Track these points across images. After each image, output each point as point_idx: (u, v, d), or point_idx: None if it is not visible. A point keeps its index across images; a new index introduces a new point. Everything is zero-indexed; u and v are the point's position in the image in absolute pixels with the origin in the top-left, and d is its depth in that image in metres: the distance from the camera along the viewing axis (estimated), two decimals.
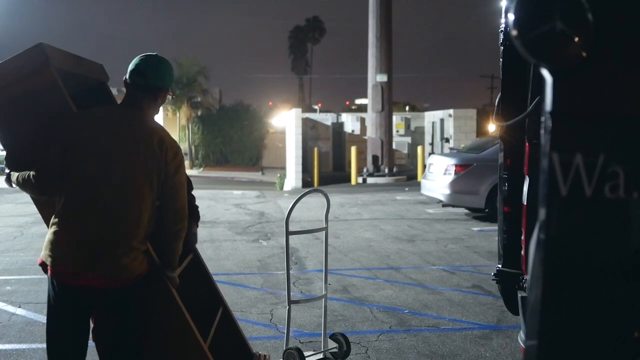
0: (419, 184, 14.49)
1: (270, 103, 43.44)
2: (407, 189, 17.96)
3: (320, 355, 4.53)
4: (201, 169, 31.63)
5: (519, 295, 3.56)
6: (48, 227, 2.99)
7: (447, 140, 23.63)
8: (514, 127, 3.68)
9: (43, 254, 2.94)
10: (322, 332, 4.67)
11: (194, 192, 4.10)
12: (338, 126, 26.88)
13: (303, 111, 25.10)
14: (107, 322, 3.01)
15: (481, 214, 11.74)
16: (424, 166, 16.90)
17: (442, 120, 24.77)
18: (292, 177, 20.64)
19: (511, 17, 1.55)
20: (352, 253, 8.69)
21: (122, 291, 2.91)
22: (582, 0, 1.50)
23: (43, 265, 2.95)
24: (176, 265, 3.12)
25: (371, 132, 21.65)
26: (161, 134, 3.01)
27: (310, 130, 25.24)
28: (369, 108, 21.80)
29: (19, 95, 3.07)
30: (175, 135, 32.33)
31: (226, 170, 30.52)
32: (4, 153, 3.14)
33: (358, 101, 56.76)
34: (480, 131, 26.41)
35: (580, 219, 1.58)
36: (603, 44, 1.55)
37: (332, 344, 4.61)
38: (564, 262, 1.58)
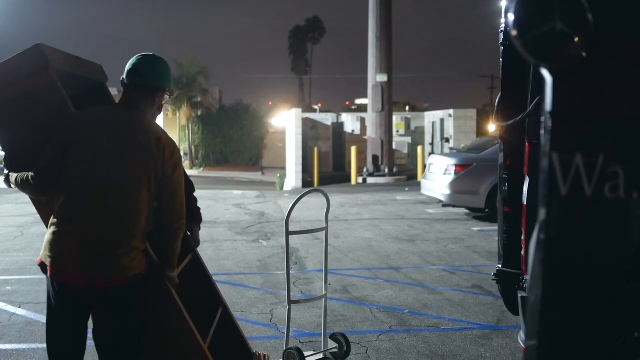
0: (419, 184, 14.49)
1: (271, 103, 43.47)
2: (407, 189, 17.96)
3: (321, 355, 4.53)
4: (201, 169, 31.64)
5: (519, 295, 3.56)
6: (47, 227, 2.99)
7: (447, 141, 23.62)
8: (514, 127, 3.68)
9: (42, 254, 2.94)
10: (322, 332, 4.67)
11: (195, 194, 4.11)
12: (338, 126, 26.89)
13: (303, 111, 25.10)
14: (107, 322, 3.01)
15: (481, 214, 11.74)
16: (424, 166, 16.90)
17: (442, 121, 24.77)
18: (292, 177, 20.64)
19: (511, 17, 1.55)
20: (352, 253, 8.69)
21: (121, 291, 2.92)
22: (582, 0, 1.50)
23: (42, 265, 2.95)
24: (175, 265, 3.12)
25: (371, 132, 21.65)
26: (158, 133, 3.01)
27: (310, 130, 25.24)
28: (369, 108, 21.81)
29: (18, 96, 3.07)
30: (175, 135, 32.34)
31: (226, 171, 30.53)
32: (3, 154, 3.14)
33: (358, 101, 56.74)
34: (480, 131, 26.41)
35: (580, 219, 1.58)
36: (603, 44, 1.55)
37: (332, 344, 4.61)
38: (564, 262, 1.58)
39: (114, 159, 2.91)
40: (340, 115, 28.53)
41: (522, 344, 3.47)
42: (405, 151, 26.50)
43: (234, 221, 11.81)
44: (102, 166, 2.90)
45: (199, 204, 4.06)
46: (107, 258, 2.86)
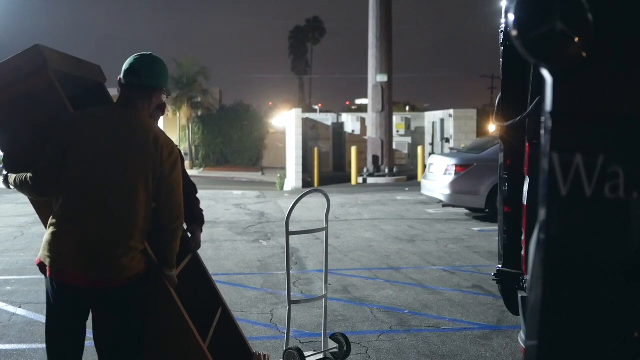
0: (419, 184, 14.49)
1: (271, 103, 43.44)
2: (407, 189, 17.96)
3: (321, 356, 4.53)
4: (201, 169, 31.64)
5: (519, 295, 3.56)
6: (46, 227, 3.00)
7: (448, 141, 23.62)
8: (514, 128, 3.68)
9: (41, 254, 2.94)
10: (323, 332, 4.67)
11: (196, 195, 4.10)
12: (338, 126, 26.88)
13: (303, 111, 25.09)
14: (107, 322, 3.01)
15: (481, 214, 11.74)
16: (424, 166, 16.90)
17: (442, 121, 24.76)
18: (292, 177, 20.64)
19: (511, 17, 1.55)
20: (352, 253, 8.69)
21: (121, 291, 2.92)
22: (582, 0, 1.51)
23: (41, 265, 2.95)
24: (174, 264, 3.12)
25: (371, 132, 21.65)
26: (156, 133, 3.01)
27: (310, 131, 25.24)
28: (369, 108, 21.81)
29: (17, 96, 3.07)
30: (175, 135, 32.36)
31: (226, 171, 30.53)
32: (2, 154, 3.14)
33: (358, 101, 56.74)
34: (480, 131, 26.41)
35: (580, 219, 1.58)
36: (603, 44, 1.55)
37: (332, 344, 4.61)
38: (564, 262, 1.58)
39: (112, 159, 2.91)
40: (341, 115, 28.53)
41: (522, 344, 3.47)
42: (406, 151, 26.49)
43: (234, 221, 11.81)
44: (102, 166, 2.90)
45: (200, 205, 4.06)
46: (106, 258, 2.86)
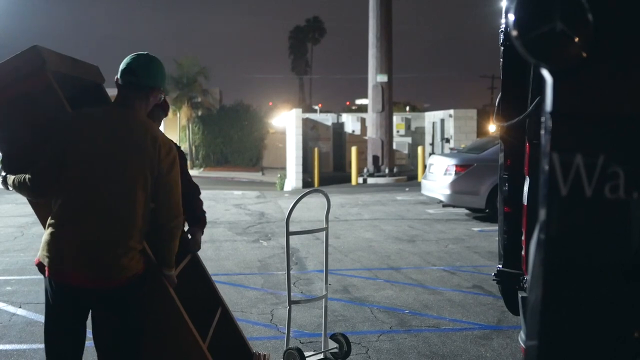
0: (419, 184, 14.49)
1: (271, 103, 43.46)
2: (407, 189, 17.96)
3: (321, 356, 4.53)
4: (201, 169, 31.64)
5: (520, 295, 3.55)
6: (44, 228, 3.00)
7: (448, 141, 23.61)
8: (515, 128, 3.68)
9: (40, 254, 2.94)
10: (323, 332, 4.67)
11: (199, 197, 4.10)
12: (338, 126, 26.88)
13: (303, 111, 25.09)
14: (106, 322, 3.01)
15: (482, 214, 11.74)
16: (425, 166, 16.90)
17: (442, 121, 24.76)
18: (293, 178, 20.64)
19: (511, 17, 1.55)
20: (352, 253, 8.69)
21: (120, 291, 2.91)
22: (582, 0, 1.51)
23: (40, 265, 2.95)
24: (173, 264, 3.12)
25: (371, 133, 21.65)
26: (154, 132, 3.01)
27: (310, 131, 25.24)
28: (370, 108, 21.81)
29: (15, 97, 3.07)
30: (175, 135, 32.35)
31: (226, 171, 30.53)
32: (0, 155, 3.14)
33: (358, 101, 56.76)
34: (480, 131, 26.41)
35: (580, 219, 1.58)
36: (603, 44, 1.55)
37: (332, 344, 4.61)
38: (564, 262, 1.58)
39: (111, 159, 2.91)
40: (341, 115, 28.53)
41: (522, 344, 3.47)
42: (406, 151, 26.49)
43: (234, 221, 11.81)
44: (101, 166, 2.90)
45: None
46: (105, 258, 2.86)
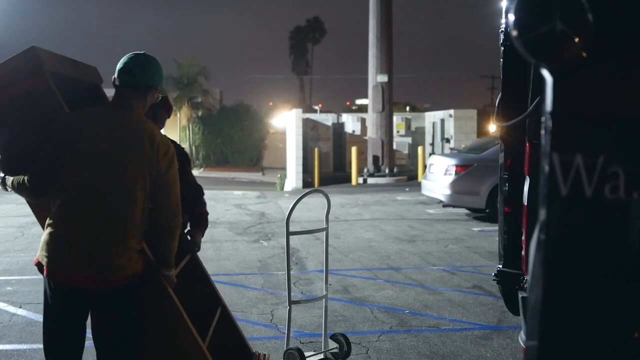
0: (419, 185, 14.49)
1: (271, 103, 43.42)
2: (407, 189, 17.96)
3: (321, 356, 4.53)
4: (202, 169, 31.65)
5: (520, 295, 3.55)
6: (43, 228, 3.00)
7: (448, 141, 23.61)
8: (515, 128, 3.68)
9: (39, 254, 2.94)
10: (323, 332, 4.67)
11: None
12: (338, 126, 26.87)
13: (303, 111, 25.08)
14: (106, 322, 3.01)
15: (482, 215, 11.74)
16: (425, 166, 16.90)
17: (442, 121, 24.75)
18: (293, 178, 20.64)
19: (511, 17, 1.55)
20: (352, 253, 8.69)
21: (119, 291, 2.91)
22: (582, 0, 1.51)
23: (39, 265, 2.95)
24: (172, 264, 3.12)
25: (372, 133, 21.65)
26: (151, 132, 3.00)
27: (310, 131, 25.23)
28: (370, 108, 21.80)
29: (13, 98, 3.07)
30: (175, 135, 32.37)
31: (227, 171, 30.54)
32: None
33: (358, 101, 56.73)
34: (480, 131, 26.39)
35: (581, 220, 1.58)
36: (603, 44, 1.55)
37: (332, 345, 4.61)
38: (564, 262, 1.58)
39: (111, 159, 2.91)
40: (341, 115, 28.52)
41: (522, 344, 3.47)
42: (406, 151, 26.48)
43: (234, 221, 11.82)
44: (101, 166, 2.90)
45: None
46: (104, 258, 2.86)
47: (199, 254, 4.05)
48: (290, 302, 4.47)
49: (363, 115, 26.45)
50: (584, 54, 1.53)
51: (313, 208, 12.71)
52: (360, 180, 20.72)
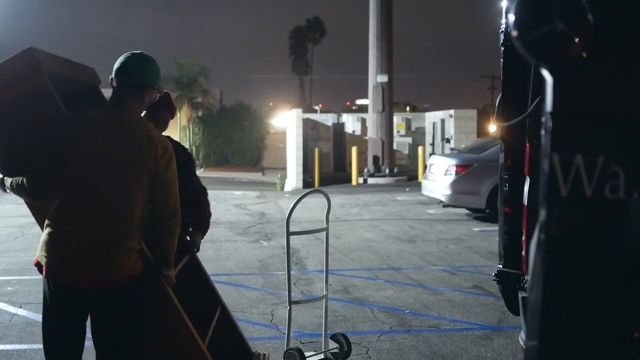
0: (419, 185, 14.49)
1: (271, 103, 43.41)
2: (407, 189, 17.96)
3: (321, 356, 4.53)
4: (202, 169, 31.65)
5: (520, 295, 3.55)
6: (42, 229, 3.00)
7: (448, 141, 23.60)
8: (515, 128, 3.68)
9: (38, 254, 2.94)
10: (323, 332, 4.67)
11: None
12: (339, 127, 26.87)
13: (304, 112, 25.09)
14: (105, 322, 3.01)
15: (482, 215, 11.74)
16: (425, 167, 16.90)
17: (442, 121, 24.75)
18: (293, 178, 20.64)
19: (512, 17, 1.55)
20: (352, 253, 8.69)
21: (118, 291, 2.91)
22: (582, 0, 1.51)
23: (38, 265, 2.95)
24: (172, 264, 3.12)
25: (372, 133, 21.65)
26: (149, 132, 3.00)
27: (310, 131, 25.23)
28: (370, 108, 21.80)
29: (12, 100, 3.07)
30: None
31: (227, 171, 30.53)
32: None
33: (359, 102, 56.72)
34: (480, 132, 26.37)
35: (581, 220, 1.58)
36: (603, 44, 1.55)
37: (332, 345, 4.61)
38: (564, 262, 1.58)
39: (111, 159, 2.92)
40: (341, 115, 28.51)
41: (522, 344, 3.47)
42: (406, 151, 26.47)
43: (234, 221, 11.82)
44: (101, 167, 2.91)
45: None
46: (104, 258, 2.86)
47: (198, 254, 4.05)
48: (291, 302, 4.47)
49: (363, 115, 26.44)
50: (584, 54, 1.53)
51: (313, 208, 12.71)
52: (361, 180, 20.72)
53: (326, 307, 4.74)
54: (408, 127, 27.15)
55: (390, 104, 21.62)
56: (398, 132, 25.92)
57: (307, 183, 20.24)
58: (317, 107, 39.63)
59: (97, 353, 3.09)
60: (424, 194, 13.18)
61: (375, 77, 21.22)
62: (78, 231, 2.87)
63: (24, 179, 2.93)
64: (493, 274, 3.95)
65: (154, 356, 3.16)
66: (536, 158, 3.30)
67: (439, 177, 12.03)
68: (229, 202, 15.21)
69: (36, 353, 4.75)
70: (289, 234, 4.48)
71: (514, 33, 1.54)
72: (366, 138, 22.80)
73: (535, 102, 3.19)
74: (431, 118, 26.53)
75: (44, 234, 2.94)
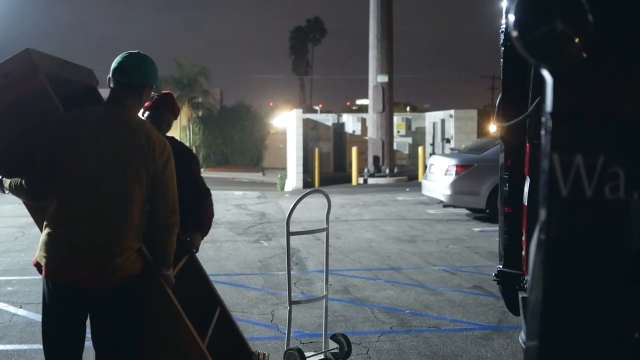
0: (419, 185, 14.49)
1: (271, 104, 43.42)
2: (408, 189, 17.96)
3: (322, 356, 4.53)
4: (202, 169, 31.66)
5: (520, 295, 3.55)
6: (41, 229, 3.00)
7: (448, 141, 23.61)
8: (515, 128, 3.68)
9: (38, 254, 2.94)
10: (323, 332, 4.67)
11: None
12: (339, 127, 26.87)
13: (304, 112, 25.09)
14: (105, 322, 3.01)
15: (482, 215, 11.74)
16: (425, 167, 16.90)
17: (442, 121, 24.75)
18: (293, 178, 20.64)
19: (512, 18, 1.55)
20: (353, 254, 8.69)
21: (117, 291, 2.91)
22: (582, 0, 1.51)
23: (38, 265, 2.95)
24: (171, 263, 3.12)
25: (372, 133, 21.65)
26: (147, 131, 3.00)
27: (311, 131, 25.23)
28: (370, 109, 21.80)
29: (11, 100, 3.07)
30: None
31: (227, 171, 30.53)
32: None
33: (359, 102, 56.74)
34: (481, 132, 26.36)
35: (581, 220, 1.58)
36: (603, 44, 1.55)
37: (333, 345, 4.61)
38: (565, 262, 1.58)
39: (110, 159, 2.92)
40: (341, 115, 28.51)
41: (522, 345, 3.46)
42: (406, 152, 26.47)
43: (234, 222, 11.82)
44: (100, 166, 2.90)
45: None
46: (103, 258, 2.86)
47: (198, 254, 4.05)
48: (291, 302, 4.47)
49: (363, 115, 26.44)
50: (584, 55, 1.53)
51: (313, 208, 12.71)
52: (361, 180, 20.72)
53: (326, 307, 4.74)
54: (408, 127, 27.15)
55: (390, 104, 21.62)
56: (398, 132, 25.92)
57: (307, 183, 20.24)
58: (317, 107, 39.64)
59: (96, 353, 3.09)
60: (424, 194, 13.18)
61: (376, 78, 21.23)
62: (77, 231, 2.87)
63: (23, 180, 2.93)
64: (493, 274, 3.95)
65: (153, 356, 3.16)
66: (536, 158, 3.30)
67: (439, 177, 12.03)
68: (229, 202, 15.21)
69: (36, 353, 4.75)
70: (289, 234, 4.48)
71: (514, 33, 1.54)
72: (366, 138, 22.80)
73: (535, 102, 3.19)
74: (431, 118, 26.54)
75: (43, 234, 2.94)
